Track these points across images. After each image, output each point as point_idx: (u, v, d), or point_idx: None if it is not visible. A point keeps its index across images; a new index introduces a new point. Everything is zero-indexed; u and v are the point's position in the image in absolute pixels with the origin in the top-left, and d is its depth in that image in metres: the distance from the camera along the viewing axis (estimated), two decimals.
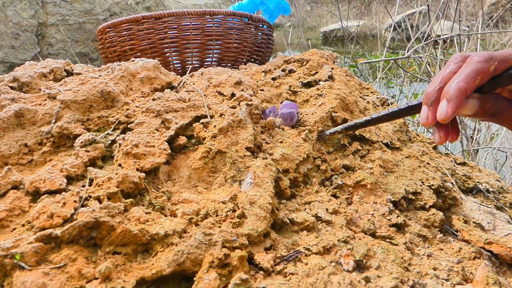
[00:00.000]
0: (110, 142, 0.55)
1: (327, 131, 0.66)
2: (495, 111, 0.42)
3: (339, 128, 0.62)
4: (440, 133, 0.44)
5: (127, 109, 0.61)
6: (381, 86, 3.26)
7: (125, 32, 0.92)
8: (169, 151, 0.54)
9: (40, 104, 0.56)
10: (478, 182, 0.85)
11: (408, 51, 1.72)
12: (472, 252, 0.55)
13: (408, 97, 2.75)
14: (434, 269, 0.50)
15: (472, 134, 1.94)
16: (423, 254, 0.53)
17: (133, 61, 0.71)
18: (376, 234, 0.54)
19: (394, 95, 2.43)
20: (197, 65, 0.96)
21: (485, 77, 0.40)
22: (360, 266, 0.45)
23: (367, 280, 0.42)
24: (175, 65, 0.95)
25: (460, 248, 0.56)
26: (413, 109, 0.48)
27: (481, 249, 0.56)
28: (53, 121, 0.54)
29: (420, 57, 1.87)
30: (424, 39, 1.89)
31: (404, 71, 1.77)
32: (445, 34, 1.78)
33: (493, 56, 0.40)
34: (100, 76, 0.64)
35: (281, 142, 0.63)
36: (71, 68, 0.69)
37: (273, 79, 0.82)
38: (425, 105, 0.43)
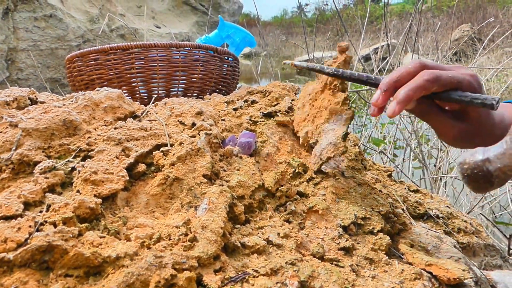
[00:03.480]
0: (70, 169, 0.57)
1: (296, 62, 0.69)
2: (426, 112, 0.54)
3: (307, 65, 0.68)
4: (396, 107, 0.52)
5: (89, 137, 0.63)
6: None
7: (92, 62, 0.94)
8: (128, 178, 0.57)
9: (1, 132, 0.57)
10: (429, 208, 0.90)
11: None
12: (413, 273, 0.58)
13: (377, 127, 2.87)
14: None
15: (435, 164, 2.03)
16: (368, 276, 0.57)
17: (97, 90, 0.74)
18: (324, 257, 0.57)
19: (365, 124, 2.52)
20: (163, 95, 0.99)
21: (426, 93, 0.51)
22: (304, 287, 0.48)
23: None
24: (142, 95, 0.98)
25: (402, 270, 0.59)
26: (371, 83, 0.58)
27: (422, 270, 0.60)
28: (14, 148, 0.55)
29: None
30: (385, 71, 1.99)
31: (366, 102, 1.85)
32: None
33: (438, 79, 0.50)
34: (63, 105, 0.66)
35: (238, 170, 0.67)
36: (35, 96, 0.71)
37: (235, 109, 0.86)
38: (379, 89, 0.53)
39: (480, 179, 0.45)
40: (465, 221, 0.95)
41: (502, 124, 0.56)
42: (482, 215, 1.44)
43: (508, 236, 1.13)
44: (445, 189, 1.83)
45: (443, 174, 1.82)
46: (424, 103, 0.53)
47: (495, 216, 1.93)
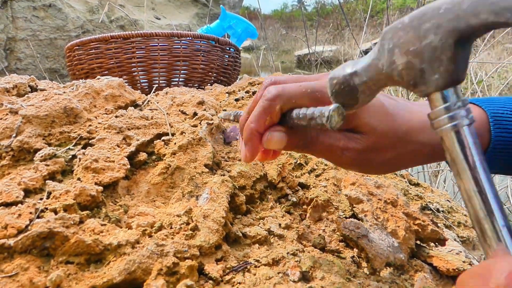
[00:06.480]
0: (70, 157, 0.57)
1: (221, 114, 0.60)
2: (304, 143, 0.40)
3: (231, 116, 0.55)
4: (246, 152, 0.41)
5: (90, 125, 0.62)
6: None
7: (93, 51, 0.93)
8: (129, 166, 0.56)
9: (1, 119, 0.57)
10: (429, 202, 0.90)
11: None
12: (415, 265, 0.58)
13: None
14: (377, 281, 0.53)
15: None
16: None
17: (98, 79, 0.73)
18: (325, 248, 0.57)
19: None
20: (164, 85, 0.98)
21: (274, 117, 0.38)
22: (305, 277, 0.47)
23: None
24: (142, 84, 0.97)
25: None
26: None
27: (423, 262, 0.59)
28: (14, 135, 0.55)
29: None
30: None
31: None
32: None
33: (280, 95, 0.38)
34: (64, 92, 0.66)
35: (240, 159, 0.66)
36: (35, 84, 0.70)
37: (236, 100, 0.86)
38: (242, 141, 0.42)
39: (346, 95, 0.37)
40: (465, 215, 0.94)
41: (428, 130, 0.40)
42: None
43: None
44: (445, 183, 1.83)
45: (442, 168, 1.82)
46: (296, 132, 0.39)
47: None
